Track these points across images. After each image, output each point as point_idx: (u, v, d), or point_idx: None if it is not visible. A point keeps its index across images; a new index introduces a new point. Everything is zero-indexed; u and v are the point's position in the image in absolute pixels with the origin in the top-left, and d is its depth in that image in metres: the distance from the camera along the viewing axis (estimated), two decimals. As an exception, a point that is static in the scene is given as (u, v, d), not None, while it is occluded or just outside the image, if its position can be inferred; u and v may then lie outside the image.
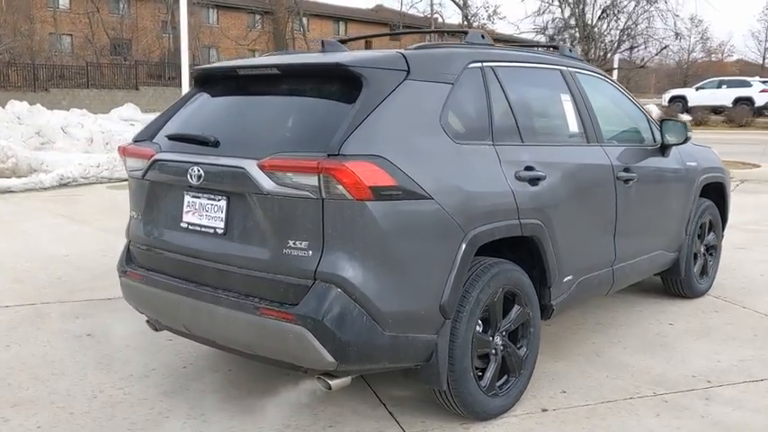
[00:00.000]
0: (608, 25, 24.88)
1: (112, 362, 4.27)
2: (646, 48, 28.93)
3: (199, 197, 3.36)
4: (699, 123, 28.34)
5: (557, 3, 26.65)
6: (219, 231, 3.26)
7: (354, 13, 55.48)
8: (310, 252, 2.97)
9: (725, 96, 32.82)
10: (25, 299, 5.49)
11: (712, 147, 5.94)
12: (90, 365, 4.21)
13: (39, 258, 6.74)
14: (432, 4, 44.28)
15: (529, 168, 3.65)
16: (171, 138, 3.59)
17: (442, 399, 3.42)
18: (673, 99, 34.35)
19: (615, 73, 25.15)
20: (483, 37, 3.94)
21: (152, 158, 3.54)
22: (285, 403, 3.70)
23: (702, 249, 5.61)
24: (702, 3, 70.74)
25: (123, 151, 3.77)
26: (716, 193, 5.69)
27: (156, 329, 3.87)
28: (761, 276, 6.30)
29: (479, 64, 3.68)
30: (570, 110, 4.21)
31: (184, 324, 3.51)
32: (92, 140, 13.70)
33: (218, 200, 3.27)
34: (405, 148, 3.12)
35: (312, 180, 2.92)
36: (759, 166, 14.61)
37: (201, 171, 3.26)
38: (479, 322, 3.41)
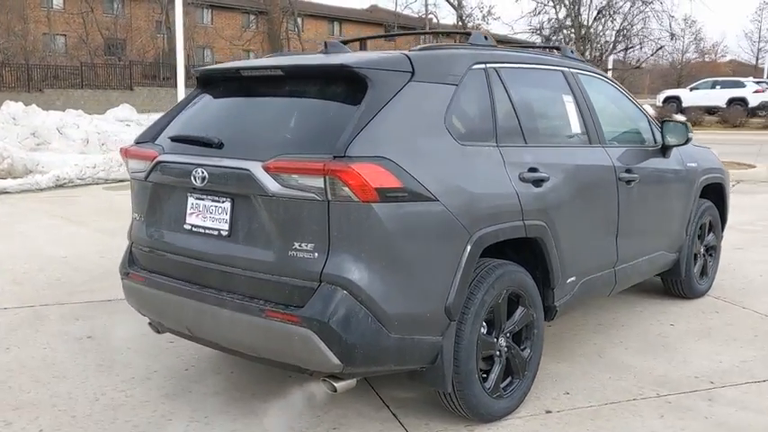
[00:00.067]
0: (604, 26, 24.95)
1: (113, 364, 4.25)
2: (641, 48, 29.02)
3: (203, 199, 3.34)
4: (693, 124, 28.38)
5: (551, 3, 26.73)
6: (224, 233, 3.25)
7: (349, 14, 55.48)
8: (316, 254, 2.96)
9: (719, 97, 32.92)
10: (24, 301, 5.46)
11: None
12: (91, 368, 4.19)
13: (37, 260, 6.71)
14: (426, 5, 44.35)
15: (532, 170, 3.64)
16: (174, 139, 3.58)
17: (446, 401, 3.41)
18: (667, 99, 34.44)
19: (610, 74, 25.22)
20: (486, 38, 3.94)
21: (155, 160, 3.53)
22: (288, 406, 3.69)
23: (702, 250, 5.62)
24: (697, 4, 70.91)
25: (125, 153, 3.76)
26: (715, 193, 5.70)
27: (159, 332, 3.86)
28: (760, 277, 6.32)
29: (483, 65, 3.68)
30: (572, 111, 4.21)
31: (188, 326, 3.50)
32: (87, 141, 13.65)
33: (223, 202, 3.26)
34: (410, 150, 3.11)
35: (318, 182, 2.91)
36: (754, 167, 14.64)
37: (205, 173, 3.25)
38: (484, 324, 3.40)
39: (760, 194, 11.56)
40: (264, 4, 48.63)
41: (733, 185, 11.62)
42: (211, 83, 3.89)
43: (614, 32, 25.39)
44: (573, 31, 24.45)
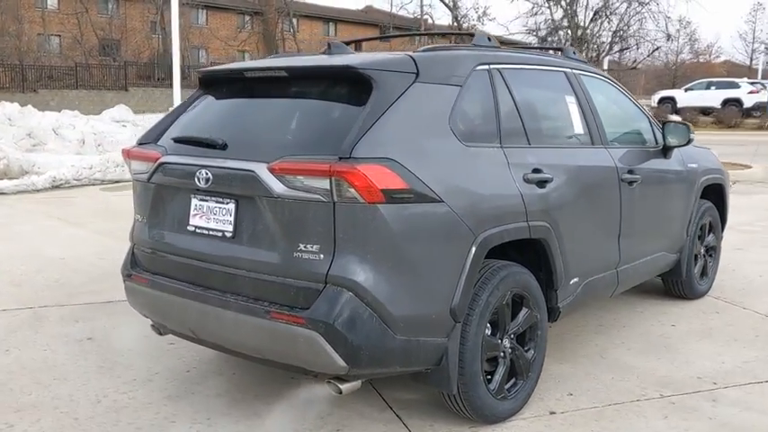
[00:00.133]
0: (600, 27, 24.99)
1: (115, 366, 4.23)
2: (638, 49, 29.11)
3: (206, 200, 3.33)
4: (689, 124, 28.43)
5: (547, 4, 26.77)
6: (228, 234, 3.24)
7: (344, 14, 55.44)
8: (321, 255, 2.95)
9: (713, 97, 33.02)
10: (23, 302, 5.43)
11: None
12: (92, 370, 4.17)
13: (35, 261, 6.68)
14: (422, 6, 44.34)
15: (536, 170, 3.64)
16: (177, 140, 3.56)
17: (450, 402, 3.41)
18: (662, 100, 34.52)
19: (606, 74, 25.11)
20: (489, 39, 3.94)
21: (158, 161, 3.51)
22: (291, 407, 3.68)
23: (702, 251, 5.63)
24: (693, 4, 71.10)
25: (128, 154, 3.74)
26: (715, 194, 5.71)
27: (161, 333, 3.84)
28: (759, 277, 6.33)
29: (487, 66, 3.68)
30: (575, 112, 4.21)
31: (191, 328, 3.48)
32: (83, 142, 13.60)
33: (227, 203, 3.24)
34: (415, 151, 3.11)
35: (323, 183, 2.90)
36: (750, 167, 14.69)
37: (210, 174, 3.24)
38: (488, 325, 3.40)
39: (757, 195, 11.60)
40: (259, 4, 48.54)
41: (730, 186, 11.67)
42: (214, 84, 3.88)
43: (611, 33, 25.44)
44: (569, 32, 24.47)
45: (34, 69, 35.13)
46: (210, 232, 3.31)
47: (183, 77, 20.76)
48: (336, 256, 2.93)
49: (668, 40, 30.99)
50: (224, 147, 3.31)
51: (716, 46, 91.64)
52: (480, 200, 3.29)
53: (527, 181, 3.57)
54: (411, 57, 3.35)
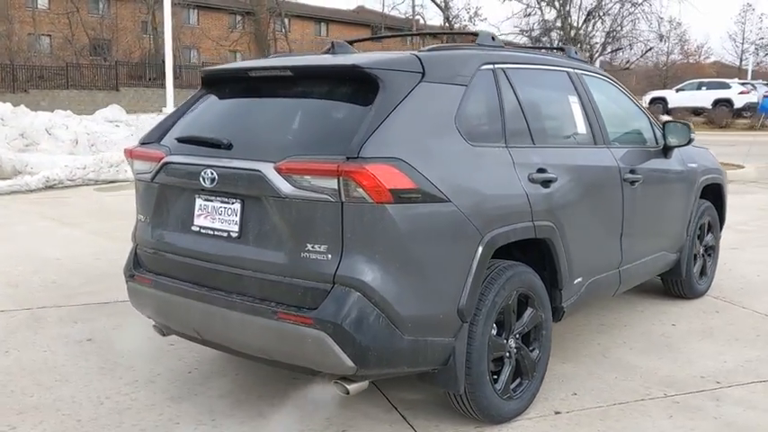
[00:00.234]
0: (593, 27, 25.03)
1: (116, 367, 4.20)
2: (631, 49, 29.19)
3: (211, 200, 3.31)
4: (680, 125, 28.52)
5: (538, 4, 26.79)
6: (234, 235, 3.22)
7: (336, 15, 55.40)
8: (329, 256, 2.94)
9: (704, 98, 33.17)
10: (20, 303, 5.39)
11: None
12: (93, 371, 4.14)
13: (31, 262, 6.63)
14: (413, 6, 44.36)
15: (541, 170, 3.64)
16: (181, 140, 3.54)
17: (457, 402, 3.40)
18: (653, 101, 34.64)
19: (598, 75, 25.11)
20: (493, 38, 3.93)
21: (162, 161, 3.49)
22: (296, 407, 3.66)
23: (701, 250, 5.64)
24: (686, 5, 71.33)
25: (130, 154, 3.72)
26: (714, 194, 5.73)
27: (164, 334, 3.82)
28: (757, 277, 6.36)
29: (491, 66, 3.67)
30: (578, 112, 4.22)
31: (195, 329, 3.46)
32: (77, 142, 13.52)
33: (232, 203, 3.22)
34: (422, 151, 3.10)
35: (331, 183, 2.89)
36: (743, 167, 14.76)
37: (215, 174, 3.21)
38: (494, 325, 3.39)
39: (750, 195, 11.66)
40: (251, 4, 48.46)
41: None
42: (217, 83, 3.86)
43: (604, 34, 25.49)
44: (562, 32, 24.50)
45: (25, 69, 34.97)
46: (216, 232, 3.29)
47: (175, 77, 20.70)
48: (344, 257, 2.92)
49: (661, 40, 31.06)
50: (229, 146, 3.29)
51: (706, 47, 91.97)
52: (487, 200, 3.29)
53: (532, 181, 3.57)
54: (417, 56, 3.34)
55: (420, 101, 3.21)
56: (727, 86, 34.05)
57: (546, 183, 3.65)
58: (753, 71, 50.84)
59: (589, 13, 24.37)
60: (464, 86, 3.44)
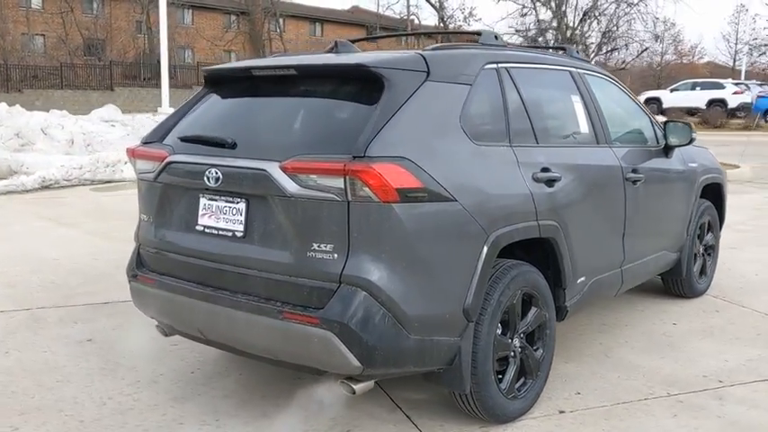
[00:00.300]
0: (589, 27, 25.11)
1: (117, 367, 4.19)
2: (627, 49, 29.28)
3: (216, 200, 3.30)
4: (674, 125, 28.57)
5: (533, 4, 26.83)
6: (238, 234, 3.21)
7: (330, 15, 55.38)
8: (335, 255, 2.93)
9: (699, 98, 33.26)
10: (19, 304, 5.37)
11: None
12: (95, 371, 4.13)
13: (28, 262, 6.60)
14: (408, 6, 44.40)
15: (545, 170, 3.64)
16: (184, 139, 3.53)
17: (462, 402, 3.39)
18: (648, 101, 34.68)
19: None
20: (496, 38, 3.93)
21: (165, 161, 3.47)
22: (300, 408, 3.64)
23: (701, 249, 5.65)
24: (681, 6, 71.43)
25: (133, 153, 3.70)
26: (713, 193, 5.74)
27: (167, 334, 3.80)
28: (756, 276, 6.37)
29: (495, 65, 3.67)
30: (580, 111, 4.22)
31: (199, 329, 3.45)
32: (72, 142, 13.47)
33: (237, 202, 3.21)
34: (427, 150, 3.09)
35: (338, 182, 2.88)
36: (738, 167, 14.79)
37: (219, 173, 3.20)
38: (498, 325, 3.39)
39: (746, 194, 11.68)
40: (246, 4, 48.41)
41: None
42: (220, 82, 3.84)
43: (600, 34, 25.57)
44: (559, 32, 24.56)
45: (19, 69, 34.85)
46: (220, 232, 3.28)
47: (170, 77, 20.68)
48: (350, 256, 2.91)
49: (656, 40, 31.19)
50: (233, 146, 3.28)
51: (699, 47, 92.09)
52: (492, 199, 3.28)
53: (536, 180, 3.57)
54: (422, 55, 3.33)
55: (425, 100, 3.20)
56: (721, 87, 34.16)
57: (550, 182, 3.65)
58: (746, 71, 50.99)
59: (585, 14, 24.43)
60: (468, 86, 3.43)
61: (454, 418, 3.52)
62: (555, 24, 24.76)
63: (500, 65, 3.71)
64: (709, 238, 5.76)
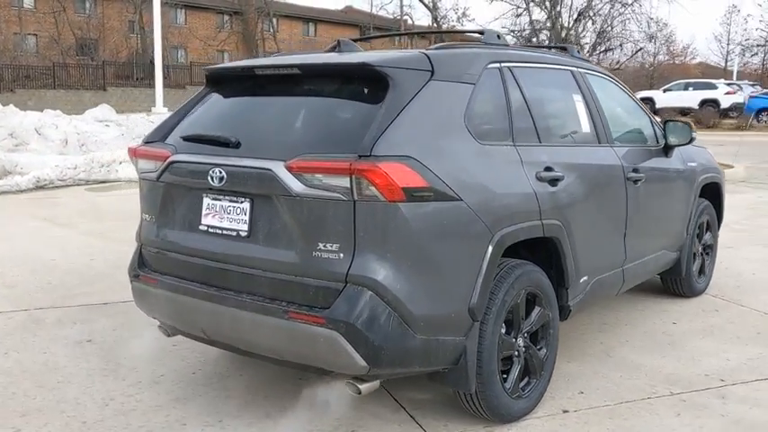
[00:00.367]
0: (584, 28, 25.18)
1: (118, 368, 4.16)
2: (622, 50, 29.40)
3: (219, 199, 3.28)
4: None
5: (526, 5, 26.87)
6: (243, 234, 3.19)
7: (324, 14, 55.34)
8: (341, 254, 2.92)
9: (691, 98, 33.39)
10: (17, 304, 5.34)
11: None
12: (96, 372, 4.10)
13: (26, 263, 6.56)
14: (402, 6, 44.38)
15: (548, 169, 3.64)
16: (187, 139, 3.51)
17: (466, 401, 3.39)
18: (641, 101, 34.79)
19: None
20: (499, 37, 3.93)
21: (168, 160, 3.45)
22: (303, 408, 3.63)
23: (700, 249, 5.67)
24: (675, 6, 71.66)
25: (134, 153, 3.68)
26: (712, 192, 5.75)
27: (169, 335, 3.79)
28: (753, 275, 6.39)
29: (497, 64, 3.67)
30: (582, 110, 4.22)
31: (203, 329, 3.43)
32: (66, 142, 13.41)
33: (241, 202, 3.20)
34: (433, 149, 3.09)
35: (344, 181, 2.87)
36: (732, 167, 14.84)
37: (223, 173, 3.19)
38: (503, 324, 3.38)
39: (740, 194, 11.72)
40: (239, 4, 48.32)
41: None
42: (222, 82, 3.83)
43: (594, 35, 25.65)
44: (552, 33, 24.62)
45: (11, 69, 34.68)
46: (224, 232, 3.26)
47: (163, 77, 20.61)
48: (356, 255, 2.90)
49: (651, 41, 31.33)
50: (237, 145, 3.26)
51: (691, 48, 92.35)
52: (497, 198, 3.28)
53: (540, 179, 3.57)
54: (426, 54, 3.33)
55: (430, 99, 3.20)
56: (713, 87, 34.31)
57: (553, 181, 3.64)
58: (738, 72, 51.19)
59: (580, 14, 24.49)
60: (472, 85, 3.43)
61: (458, 418, 3.52)
62: (549, 25, 24.81)
63: (503, 64, 3.70)
64: (707, 237, 5.77)
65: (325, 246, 2.94)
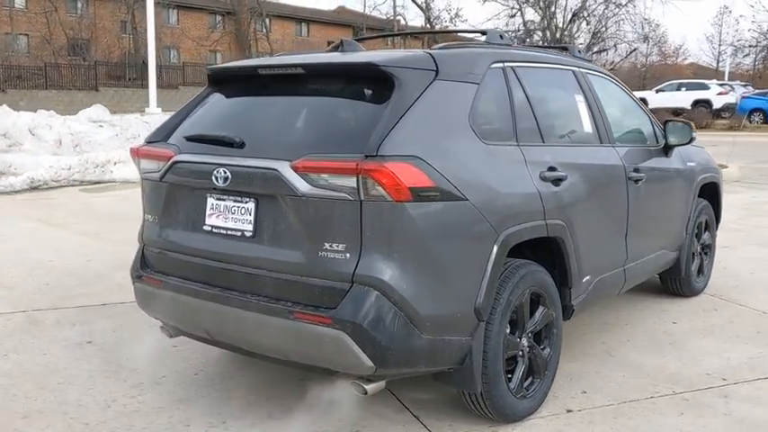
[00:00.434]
0: (578, 28, 25.24)
1: (119, 369, 4.14)
2: (616, 50, 29.49)
3: (224, 199, 3.27)
4: (661, 125, 28.79)
5: (519, 5, 26.93)
6: (248, 234, 3.18)
7: (316, 15, 55.30)
8: (347, 255, 2.91)
9: (684, 99, 33.51)
10: (16, 306, 5.30)
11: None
12: (97, 373, 4.08)
13: (23, 264, 6.52)
14: (394, 7, 44.40)
15: (551, 169, 3.64)
16: (190, 139, 3.49)
17: (471, 401, 3.38)
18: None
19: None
20: (501, 37, 3.93)
21: (171, 160, 3.44)
22: (306, 408, 3.61)
23: (699, 248, 5.68)
24: (669, 6, 71.82)
25: (137, 153, 3.66)
26: (710, 192, 5.77)
27: (172, 336, 3.77)
28: (751, 274, 6.42)
29: (501, 64, 3.67)
30: (584, 110, 4.23)
31: (207, 329, 3.41)
32: (60, 142, 13.34)
33: (246, 202, 3.19)
34: (438, 149, 3.08)
35: (350, 181, 2.87)
36: (726, 167, 14.89)
37: (228, 173, 3.17)
38: (507, 324, 3.38)
39: (735, 194, 11.76)
40: (232, 4, 48.22)
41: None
42: (224, 82, 3.81)
43: (589, 35, 25.73)
44: (547, 33, 24.67)
45: (2, 69, 34.55)
46: (229, 232, 3.25)
47: (156, 77, 20.54)
48: (363, 255, 2.90)
49: (645, 41, 31.44)
50: (242, 145, 3.25)
51: (683, 48, 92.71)
52: (502, 198, 3.28)
53: (543, 179, 3.57)
54: (430, 54, 3.33)
55: (435, 99, 3.19)
56: (706, 87, 34.46)
57: (556, 181, 3.65)
58: (729, 72, 51.40)
59: (574, 14, 24.55)
60: (476, 84, 3.43)
61: (463, 418, 3.51)
62: (545, 25, 24.86)
63: (506, 64, 3.70)
64: (706, 237, 5.79)
65: (331, 246, 2.93)
